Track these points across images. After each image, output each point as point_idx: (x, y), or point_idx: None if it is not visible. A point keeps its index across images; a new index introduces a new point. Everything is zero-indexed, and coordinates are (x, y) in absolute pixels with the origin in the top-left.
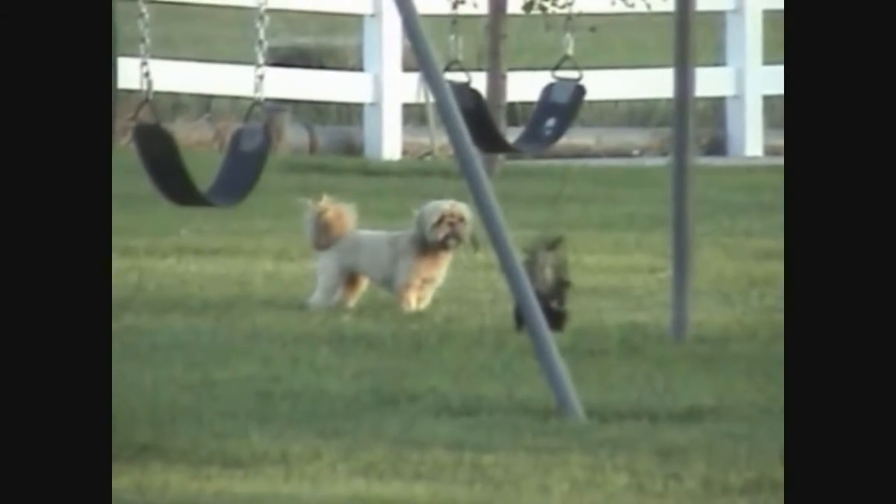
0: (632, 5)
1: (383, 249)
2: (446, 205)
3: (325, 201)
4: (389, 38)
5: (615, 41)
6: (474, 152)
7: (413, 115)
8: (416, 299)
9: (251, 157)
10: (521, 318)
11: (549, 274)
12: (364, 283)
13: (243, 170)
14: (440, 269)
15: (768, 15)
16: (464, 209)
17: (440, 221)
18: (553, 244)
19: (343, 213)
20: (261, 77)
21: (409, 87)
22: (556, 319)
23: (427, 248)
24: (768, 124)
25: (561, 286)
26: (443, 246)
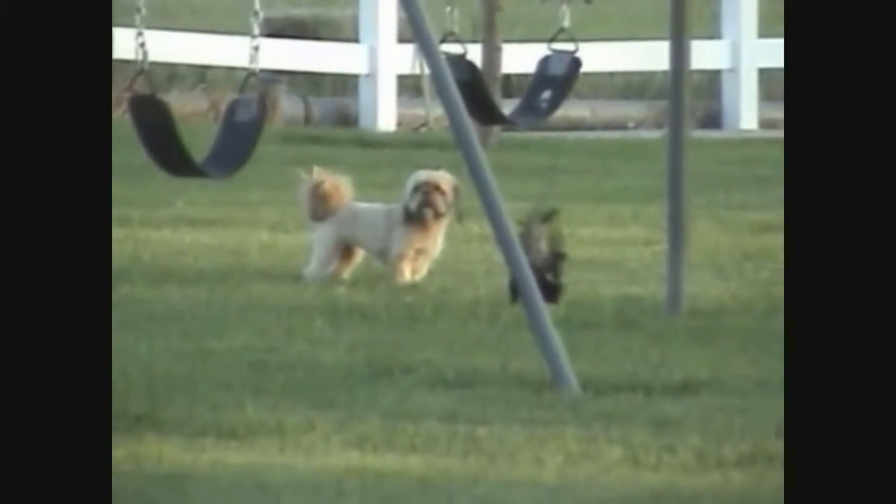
0: None
1: (379, 221)
2: (423, 174)
3: (319, 173)
4: (385, 10)
5: (611, 13)
6: (470, 124)
7: (408, 86)
8: (411, 271)
9: (246, 127)
10: (515, 291)
11: (543, 246)
12: (359, 256)
13: (238, 141)
14: (433, 241)
15: None
16: (443, 178)
17: (415, 190)
18: (547, 216)
19: (339, 185)
20: (256, 48)
21: (404, 59)
22: (551, 292)
23: (411, 218)
24: (764, 97)
25: (556, 258)
26: (419, 215)
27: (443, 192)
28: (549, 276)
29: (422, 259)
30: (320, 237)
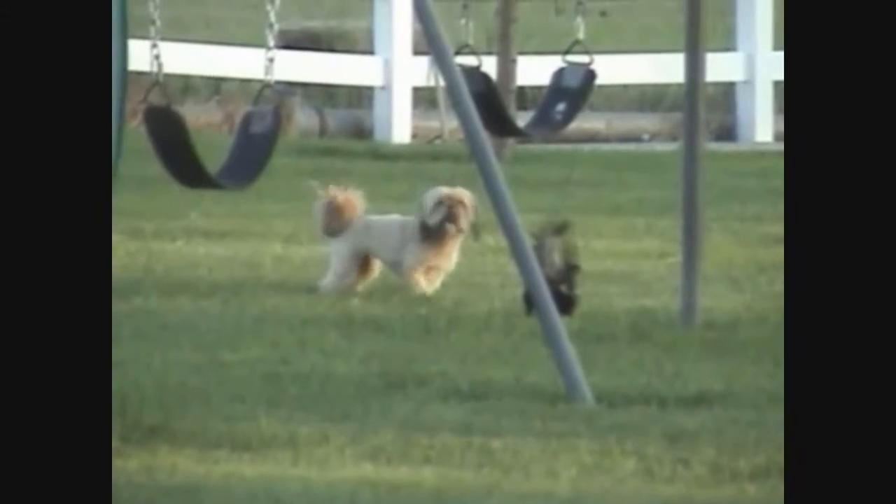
0: None
1: (394, 233)
2: (445, 189)
3: (333, 189)
4: (400, 22)
5: (626, 26)
6: (484, 136)
7: (423, 98)
8: (425, 282)
9: (261, 139)
10: (530, 303)
11: (557, 259)
12: (376, 269)
13: (253, 152)
14: (447, 257)
15: (779, 0)
16: (464, 194)
17: (438, 205)
18: (560, 229)
19: (352, 199)
20: (271, 60)
21: (419, 71)
22: (566, 304)
23: (430, 233)
24: (778, 110)
25: (569, 271)
26: (441, 229)
27: (465, 208)
28: (563, 288)
29: (434, 273)
30: (337, 250)
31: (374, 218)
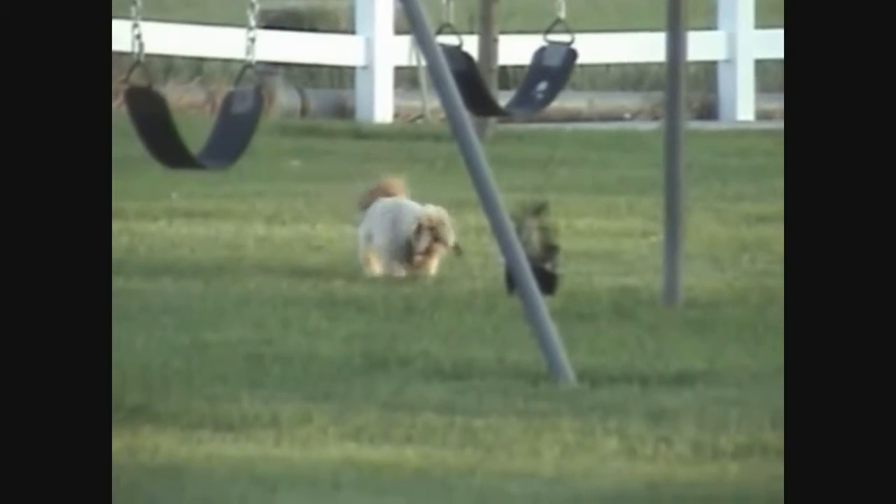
0: None
1: (385, 217)
2: (427, 213)
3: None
4: (381, 1)
5: (607, 4)
6: (466, 116)
7: (405, 78)
8: (399, 268)
9: (243, 119)
10: (512, 282)
11: (535, 239)
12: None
13: (235, 133)
14: (433, 258)
15: None
16: (442, 214)
17: (419, 231)
18: (538, 209)
19: (392, 183)
20: (252, 40)
21: (400, 50)
22: (548, 283)
23: (413, 253)
24: (760, 88)
25: (548, 251)
26: (427, 254)
27: (446, 227)
28: (546, 267)
29: (426, 263)
30: (358, 232)
31: (382, 200)
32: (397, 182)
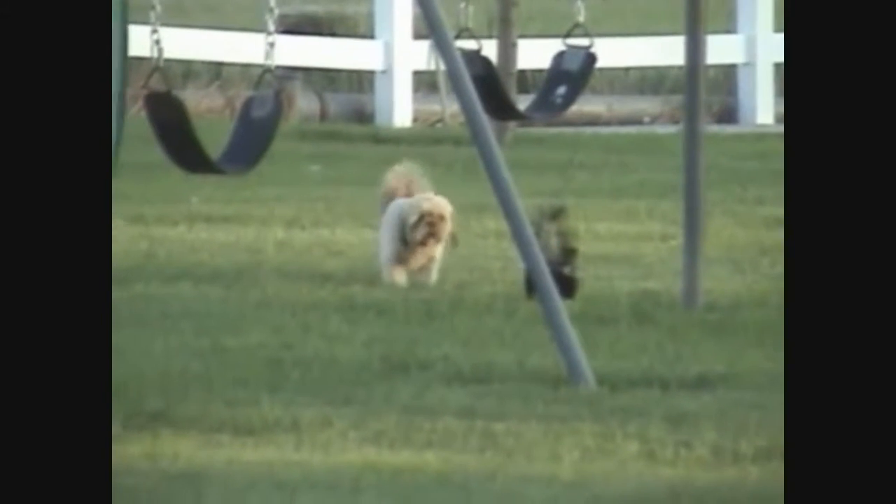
0: None
1: (386, 223)
2: (427, 204)
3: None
4: (400, 6)
5: (626, 8)
6: (485, 120)
7: (424, 82)
8: (400, 274)
9: (262, 124)
10: (532, 286)
11: (553, 243)
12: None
13: (254, 137)
14: (429, 257)
15: None
16: (444, 206)
17: (419, 221)
18: (556, 213)
19: (413, 179)
20: (271, 44)
21: (419, 55)
22: (567, 286)
23: (409, 244)
24: (779, 92)
25: (567, 254)
26: (422, 245)
27: (445, 221)
28: (564, 271)
29: (424, 264)
30: None
31: (397, 200)
32: (407, 176)
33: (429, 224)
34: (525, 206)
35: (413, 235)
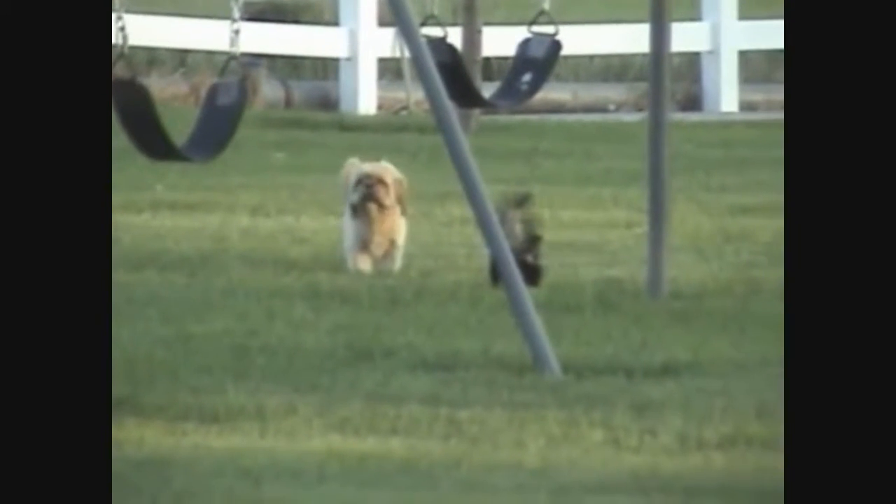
0: None
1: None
2: (367, 166)
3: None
4: None
5: None
6: (450, 107)
7: (389, 69)
8: (364, 261)
9: (227, 111)
10: (496, 273)
11: (518, 230)
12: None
13: (219, 125)
14: (385, 233)
15: None
16: (386, 171)
17: (358, 183)
18: (521, 201)
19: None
20: (236, 32)
21: (384, 42)
22: (532, 274)
23: (356, 211)
24: (743, 80)
25: (532, 241)
26: (361, 208)
27: (386, 185)
28: (528, 259)
29: (383, 250)
30: None
31: None
32: (379, 168)
33: (367, 186)
34: (490, 193)
35: (351, 197)
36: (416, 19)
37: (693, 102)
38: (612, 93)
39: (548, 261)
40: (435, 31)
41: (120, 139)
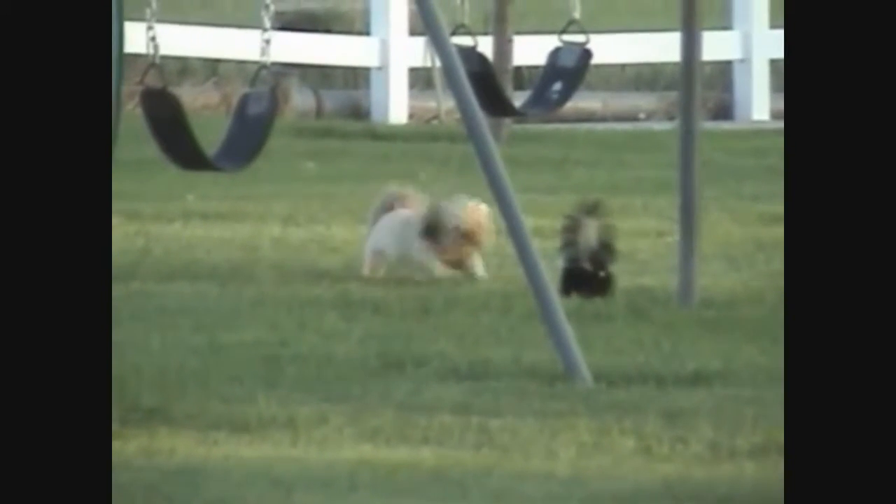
0: None
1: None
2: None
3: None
4: (396, 2)
5: (622, 4)
6: (481, 116)
7: (420, 79)
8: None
9: (258, 121)
10: (568, 284)
11: (593, 238)
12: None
13: (250, 134)
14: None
15: None
16: (482, 214)
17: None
18: (593, 208)
19: (408, 195)
20: (267, 41)
21: (415, 51)
22: (602, 285)
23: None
24: (775, 88)
25: (606, 249)
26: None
27: (483, 229)
28: (598, 269)
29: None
30: None
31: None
32: (411, 194)
33: (465, 236)
34: (521, 202)
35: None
36: (446, 28)
37: (724, 111)
38: (643, 101)
39: (617, 269)
40: (466, 41)
41: (151, 149)
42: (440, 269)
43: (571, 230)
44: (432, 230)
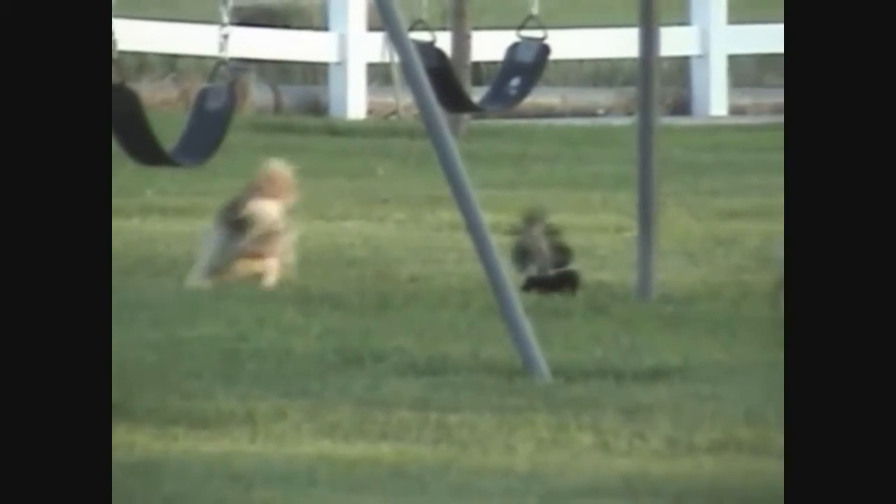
0: None
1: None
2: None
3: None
4: None
5: (581, 0)
6: (439, 112)
7: (378, 74)
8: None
9: (216, 116)
10: (529, 286)
11: (545, 245)
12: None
13: (208, 129)
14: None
15: None
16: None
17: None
18: (535, 216)
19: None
20: (226, 36)
21: (374, 47)
22: (570, 281)
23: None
24: (733, 84)
25: (562, 251)
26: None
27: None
28: (561, 269)
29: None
30: None
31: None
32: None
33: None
34: (480, 197)
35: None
36: (405, 24)
37: (682, 106)
38: (601, 97)
39: (576, 265)
40: (424, 36)
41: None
42: (241, 269)
43: (523, 248)
44: (235, 226)
